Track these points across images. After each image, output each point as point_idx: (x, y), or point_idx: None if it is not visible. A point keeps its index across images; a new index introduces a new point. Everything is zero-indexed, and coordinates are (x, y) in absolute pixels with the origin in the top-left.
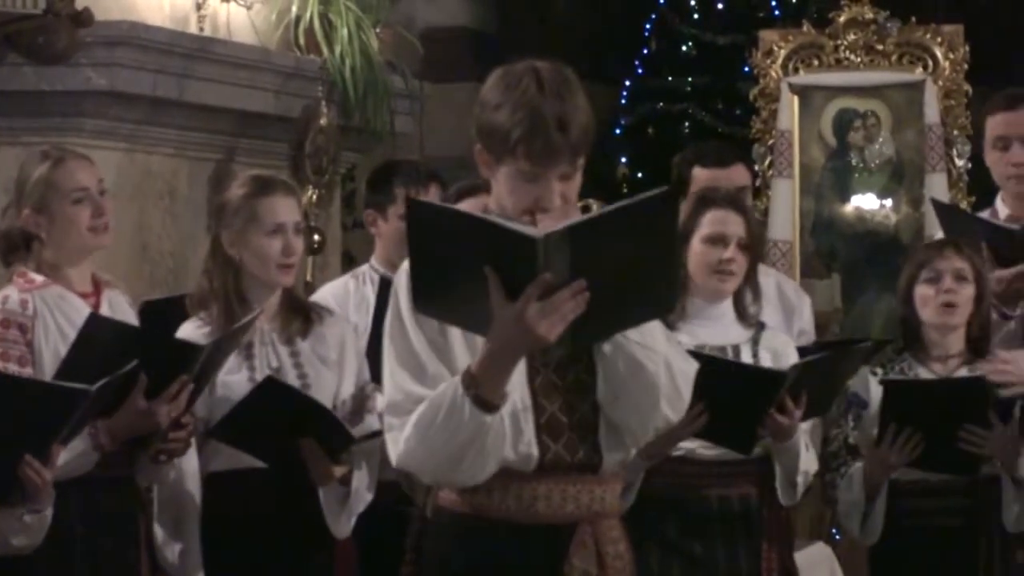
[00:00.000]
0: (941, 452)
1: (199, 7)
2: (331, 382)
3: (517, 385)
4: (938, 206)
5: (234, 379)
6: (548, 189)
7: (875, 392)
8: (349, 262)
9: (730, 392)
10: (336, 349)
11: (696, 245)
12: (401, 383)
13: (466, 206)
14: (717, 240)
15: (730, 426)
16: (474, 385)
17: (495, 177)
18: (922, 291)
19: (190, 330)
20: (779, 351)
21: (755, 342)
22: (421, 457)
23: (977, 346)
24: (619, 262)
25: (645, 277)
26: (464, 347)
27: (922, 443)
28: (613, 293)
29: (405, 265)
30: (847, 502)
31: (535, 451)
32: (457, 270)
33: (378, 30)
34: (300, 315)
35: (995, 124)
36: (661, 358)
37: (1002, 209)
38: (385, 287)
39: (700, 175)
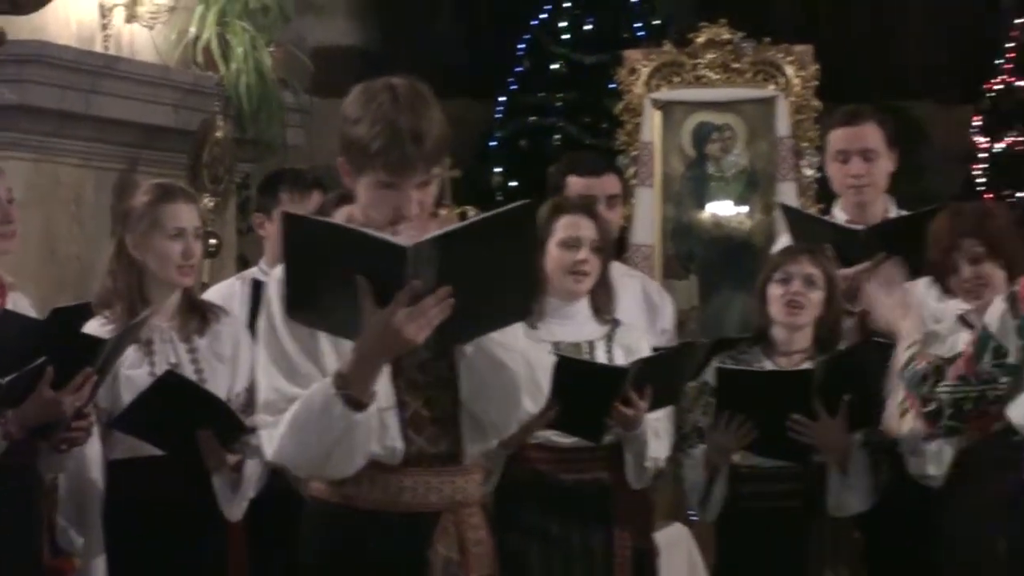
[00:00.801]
0: (774, 439)
1: (104, 27)
2: (226, 377)
3: (382, 384)
4: (785, 209)
5: (135, 373)
6: (406, 198)
7: None
8: (244, 265)
9: (579, 387)
10: (231, 346)
11: (552, 249)
12: (274, 383)
13: (344, 212)
14: (571, 244)
15: (580, 418)
16: (345, 385)
17: (357, 187)
18: (772, 291)
19: (95, 327)
20: (632, 347)
21: (609, 338)
22: (294, 453)
23: (824, 344)
24: (482, 270)
25: (506, 284)
26: (332, 349)
27: (755, 430)
28: (476, 299)
29: (276, 271)
30: (690, 481)
31: (400, 445)
32: (329, 279)
33: (271, 48)
34: (197, 314)
35: (836, 139)
36: (520, 355)
37: (840, 215)
38: (258, 289)
39: (575, 183)
